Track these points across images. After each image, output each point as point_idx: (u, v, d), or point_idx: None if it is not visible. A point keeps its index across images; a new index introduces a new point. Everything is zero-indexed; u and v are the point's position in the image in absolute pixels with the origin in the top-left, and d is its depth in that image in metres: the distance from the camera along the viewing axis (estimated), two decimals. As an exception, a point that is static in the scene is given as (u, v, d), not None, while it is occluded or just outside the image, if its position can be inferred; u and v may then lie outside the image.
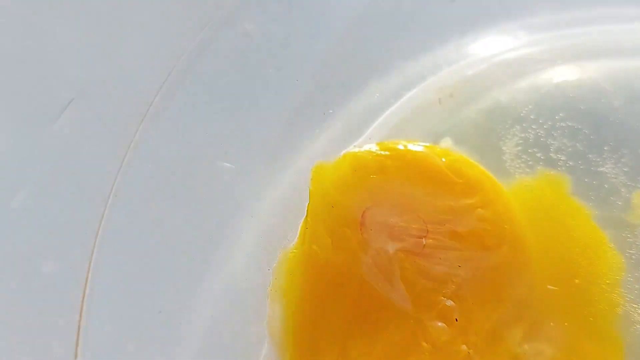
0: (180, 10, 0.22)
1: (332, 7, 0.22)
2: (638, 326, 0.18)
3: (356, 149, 0.21)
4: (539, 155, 0.21)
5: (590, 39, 0.25)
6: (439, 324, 0.17)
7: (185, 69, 0.20)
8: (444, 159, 0.20)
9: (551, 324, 0.17)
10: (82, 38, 0.21)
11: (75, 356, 0.15)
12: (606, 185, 0.21)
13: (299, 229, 0.19)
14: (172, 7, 0.22)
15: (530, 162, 0.21)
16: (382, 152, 0.20)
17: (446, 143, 0.22)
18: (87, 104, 0.20)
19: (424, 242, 0.18)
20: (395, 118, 0.23)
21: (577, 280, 0.18)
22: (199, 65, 0.20)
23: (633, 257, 0.19)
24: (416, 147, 0.21)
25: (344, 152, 0.21)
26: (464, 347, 0.17)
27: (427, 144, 0.21)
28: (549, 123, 0.22)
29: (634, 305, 0.18)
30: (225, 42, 0.21)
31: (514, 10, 0.26)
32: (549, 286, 0.18)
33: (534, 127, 0.22)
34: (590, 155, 0.21)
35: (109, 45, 0.21)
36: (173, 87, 0.20)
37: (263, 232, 0.19)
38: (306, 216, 0.19)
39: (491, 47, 0.25)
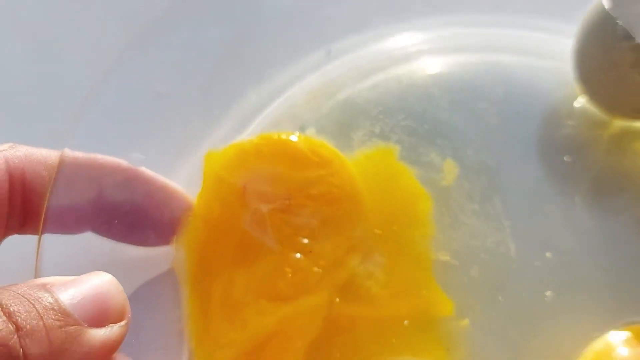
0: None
1: (212, 33, 0.29)
2: (441, 251, 0.25)
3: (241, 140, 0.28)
4: (375, 134, 0.29)
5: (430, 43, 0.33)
6: (298, 255, 0.24)
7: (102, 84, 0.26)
8: (306, 144, 0.27)
9: (377, 254, 0.25)
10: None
11: None
12: (423, 155, 0.28)
13: (196, 200, 0.26)
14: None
15: (369, 139, 0.28)
16: (259, 141, 0.27)
17: (310, 132, 0.29)
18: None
19: (288, 203, 0.25)
20: (272, 115, 0.30)
21: (395, 227, 0.25)
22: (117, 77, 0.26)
23: (438, 202, 0.27)
24: (285, 136, 0.28)
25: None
26: (315, 269, 0.24)
27: (296, 133, 0.28)
28: (393, 122, 0.29)
29: (439, 235, 0.26)
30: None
31: (374, 20, 0.33)
32: (375, 230, 0.25)
33: (380, 124, 0.29)
34: (413, 131, 0.29)
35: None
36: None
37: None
38: (200, 190, 0.26)
39: (352, 55, 0.32)
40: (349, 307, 0.24)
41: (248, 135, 0.29)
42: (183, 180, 0.27)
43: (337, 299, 0.24)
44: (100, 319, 0.18)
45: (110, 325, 0.18)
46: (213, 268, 0.24)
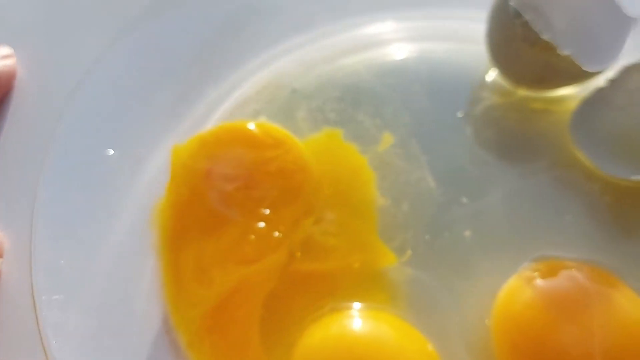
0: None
1: (177, 41, 0.33)
2: (383, 205, 0.30)
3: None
4: (320, 119, 0.33)
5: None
6: (260, 224, 0.28)
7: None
8: (260, 128, 0.31)
9: (329, 213, 0.29)
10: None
11: None
12: (363, 132, 0.32)
13: (166, 188, 0.29)
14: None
15: (315, 124, 0.33)
16: (218, 131, 0.31)
17: (262, 119, 0.33)
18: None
19: (249, 180, 0.29)
20: (229, 109, 0.33)
21: (341, 187, 0.29)
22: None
23: (378, 169, 0.31)
24: (241, 123, 0.32)
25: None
26: (276, 233, 0.28)
27: (250, 121, 0.32)
28: (327, 100, 0.34)
29: (380, 194, 0.30)
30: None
31: (316, 20, 0.37)
32: (325, 190, 0.29)
33: (317, 102, 0.33)
34: (354, 114, 0.33)
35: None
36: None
37: (149, 189, 0.29)
38: (169, 179, 0.29)
39: (297, 52, 0.36)
40: (306, 262, 0.28)
41: (209, 127, 0.33)
42: (153, 172, 0.30)
43: (299, 254, 0.28)
44: None
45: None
46: (184, 242, 0.27)
